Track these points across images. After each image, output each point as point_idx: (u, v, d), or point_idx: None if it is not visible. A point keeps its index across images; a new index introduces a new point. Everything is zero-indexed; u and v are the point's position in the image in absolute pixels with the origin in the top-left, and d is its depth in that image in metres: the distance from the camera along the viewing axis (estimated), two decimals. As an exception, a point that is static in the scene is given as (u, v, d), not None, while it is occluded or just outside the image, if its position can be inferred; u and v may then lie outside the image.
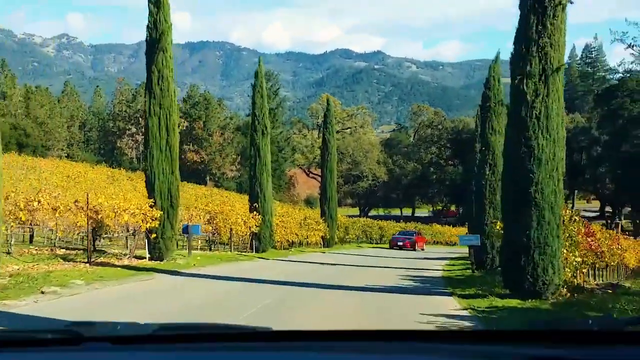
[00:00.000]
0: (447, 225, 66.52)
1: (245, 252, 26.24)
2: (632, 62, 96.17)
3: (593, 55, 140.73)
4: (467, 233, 37.29)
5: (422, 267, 22.89)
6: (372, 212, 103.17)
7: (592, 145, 78.33)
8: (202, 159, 77.18)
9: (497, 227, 14.47)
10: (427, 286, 14.98)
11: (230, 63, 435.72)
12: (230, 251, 25.36)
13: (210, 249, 25.85)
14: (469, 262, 30.47)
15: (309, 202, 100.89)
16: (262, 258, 23.69)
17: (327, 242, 37.44)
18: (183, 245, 23.16)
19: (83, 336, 2.02)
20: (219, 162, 77.86)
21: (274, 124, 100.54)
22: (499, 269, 19.72)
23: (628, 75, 73.38)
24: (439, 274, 19.77)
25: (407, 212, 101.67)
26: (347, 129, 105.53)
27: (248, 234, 26.46)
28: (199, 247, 26.54)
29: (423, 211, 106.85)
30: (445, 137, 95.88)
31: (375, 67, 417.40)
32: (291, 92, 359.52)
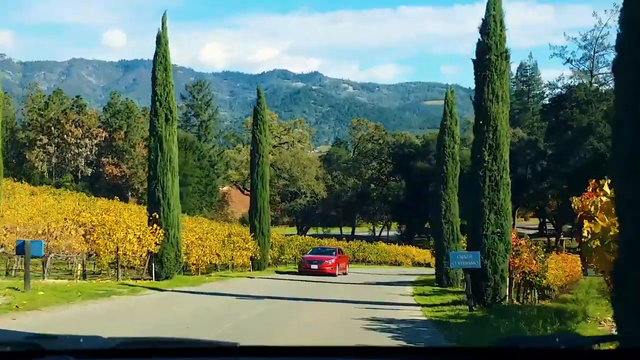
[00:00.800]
0: (392, 244, 60.38)
1: (140, 280, 18.78)
2: (570, 78, 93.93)
3: (528, 74, 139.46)
4: (433, 251, 31.01)
5: (385, 299, 15.99)
6: (311, 232, 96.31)
7: (538, 160, 74.20)
8: (123, 173, 68.63)
9: (613, 232, 7.68)
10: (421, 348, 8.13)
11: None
12: (117, 279, 17.88)
13: (84, 277, 18.31)
14: (437, 287, 23.85)
15: (244, 222, 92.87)
16: (157, 289, 16.29)
17: (257, 264, 30.15)
18: (38, 273, 15.60)
19: (44, 349, 1.92)
20: (142, 177, 69.36)
21: (206, 137, 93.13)
22: (507, 303, 13.16)
23: (566, 91, 69.85)
24: (418, 312, 12.88)
25: (347, 231, 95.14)
26: (283, 143, 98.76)
27: (144, 255, 19.01)
28: (78, 274, 18.94)
29: (364, 230, 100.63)
30: (387, 151, 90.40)
31: (313, 87, 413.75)
32: (228, 111, 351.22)
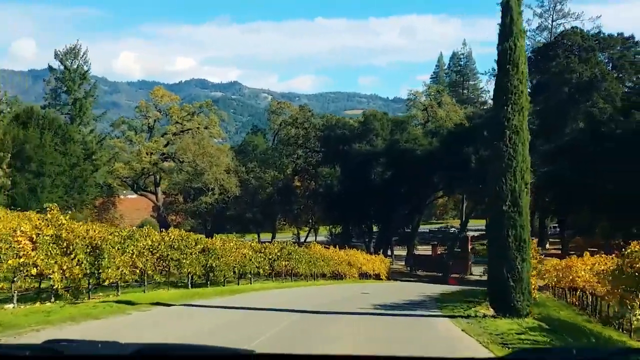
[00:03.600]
0: (333, 247, 39.42)
1: None
2: (536, 29, 76.12)
3: (462, 63, 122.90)
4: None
5: None
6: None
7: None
8: None
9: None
10: None
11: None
12: None
13: None
14: None
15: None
16: None
17: None
18: None
19: (63, 354, 1.86)
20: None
21: (80, 119, 69.35)
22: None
23: (557, 37, 51.52)
24: None
25: (266, 237, 73.30)
26: (186, 130, 75.96)
27: None
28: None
29: (287, 235, 78.93)
30: (314, 136, 69.66)
31: (232, 97, 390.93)
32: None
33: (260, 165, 73.51)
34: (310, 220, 77.07)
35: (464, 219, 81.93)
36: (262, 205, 72.53)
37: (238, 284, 22.67)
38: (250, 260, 22.78)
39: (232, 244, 21.63)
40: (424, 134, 57.76)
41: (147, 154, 72.94)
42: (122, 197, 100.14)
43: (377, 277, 45.74)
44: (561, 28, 68.50)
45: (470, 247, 65.80)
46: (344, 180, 57.21)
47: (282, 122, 77.37)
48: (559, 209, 51.52)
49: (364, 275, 42.54)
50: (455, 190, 58.13)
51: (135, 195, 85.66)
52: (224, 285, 21.36)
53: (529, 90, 53.03)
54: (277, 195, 71.40)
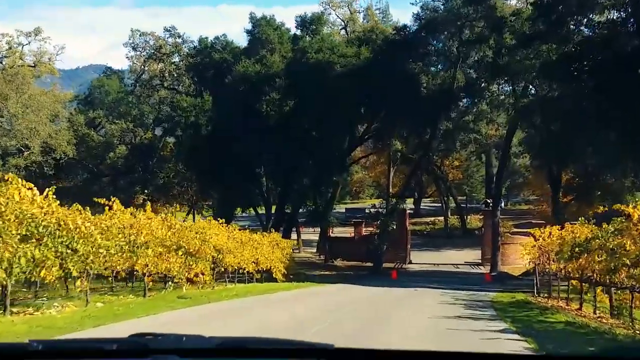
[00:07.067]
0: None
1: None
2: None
3: (378, 19, 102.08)
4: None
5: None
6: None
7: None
8: None
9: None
10: None
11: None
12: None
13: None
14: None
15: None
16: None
17: None
18: None
19: (149, 348, 1.86)
20: None
21: None
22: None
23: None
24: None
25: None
26: (2, 70, 49.48)
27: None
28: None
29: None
30: (186, 66, 46.04)
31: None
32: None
33: (110, 114, 48.94)
34: (190, 195, 52.80)
35: (390, 191, 60.85)
36: (113, 173, 47.99)
37: None
38: None
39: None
40: (348, 42, 35.63)
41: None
42: None
43: (269, 276, 22.93)
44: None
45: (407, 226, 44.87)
46: (219, 117, 33.78)
47: (145, 59, 52.79)
48: (554, 157, 30.97)
49: (233, 275, 19.57)
50: (394, 131, 36.08)
51: None
52: None
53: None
54: (133, 158, 47.14)
